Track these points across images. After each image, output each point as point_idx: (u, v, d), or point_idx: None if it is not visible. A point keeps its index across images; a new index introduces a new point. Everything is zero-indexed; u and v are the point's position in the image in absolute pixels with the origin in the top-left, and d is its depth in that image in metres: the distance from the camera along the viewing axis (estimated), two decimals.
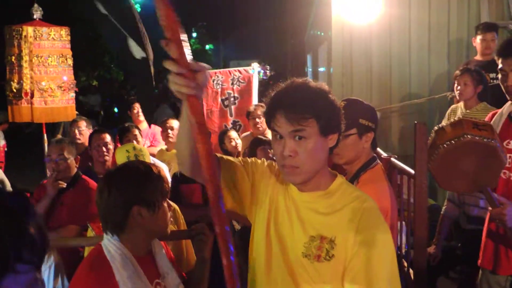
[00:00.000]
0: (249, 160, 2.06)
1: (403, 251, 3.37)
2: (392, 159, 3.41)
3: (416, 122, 2.92)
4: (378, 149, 3.89)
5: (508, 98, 2.91)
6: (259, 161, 2.06)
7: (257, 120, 5.93)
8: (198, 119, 1.55)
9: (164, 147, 5.97)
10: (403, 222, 3.48)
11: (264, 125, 5.91)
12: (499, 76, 2.89)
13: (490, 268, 2.97)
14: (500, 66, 2.85)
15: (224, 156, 2.05)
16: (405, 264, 3.11)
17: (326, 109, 1.82)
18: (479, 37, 5.76)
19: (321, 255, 1.80)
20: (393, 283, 1.74)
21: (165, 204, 2.21)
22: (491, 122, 2.96)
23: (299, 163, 1.82)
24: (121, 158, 3.48)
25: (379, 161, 2.74)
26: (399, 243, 3.35)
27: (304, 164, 1.82)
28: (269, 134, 5.77)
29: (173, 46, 1.49)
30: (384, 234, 1.78)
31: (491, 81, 5.40)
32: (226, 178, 1.98)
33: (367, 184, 2.61)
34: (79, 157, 4.30)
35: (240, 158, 2.07)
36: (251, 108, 6.22)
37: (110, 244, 2.12)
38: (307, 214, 1.88)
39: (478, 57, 5.82)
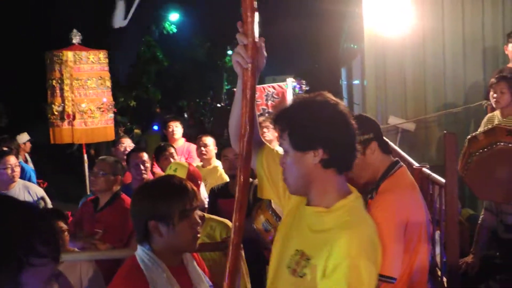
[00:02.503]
0: None
1: (438, 260, 3.33)
2: (424, 169, 3.40)
3: (445, 132, 2.92)
4: (411, 159, 3.88)
5: None
6: None
7: (264, 130, 5.79)
8: (247, 89, 1.87)
9: (199, 163, 6.06)
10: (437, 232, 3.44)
11: (269, 137, 5.78)
12: None
13: None
14: None
15: (269, 145, 2.17)
16: (439, 273, 3.09)
17: (299, 123, 1.80)
18: (511, 45, 5.70)
19: (297, 270, 1.78)
20: None
21: (192, 219, 2.19)
22: None
23: (285, 175, 1.89)
24: None
25: (402, 165, 2.67)
26: (432, 253, 3.32)
27: (287, 177, 1.88)
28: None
29: (245, 21, 1.81)
30: (349, 271, 1.68)
31: None
32: (263, 164, 2.08)
33: (384, 194, 2.54)
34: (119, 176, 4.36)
35: None
36: (261, 119, 6.11)
37: (143, 254, 2.17)
38: (302, 227, 1.87)
39: (511, 65, 5.76)
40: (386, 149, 2.67)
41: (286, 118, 1.85)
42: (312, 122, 1.79)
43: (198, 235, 2.24)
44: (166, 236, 2.14)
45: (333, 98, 1.88)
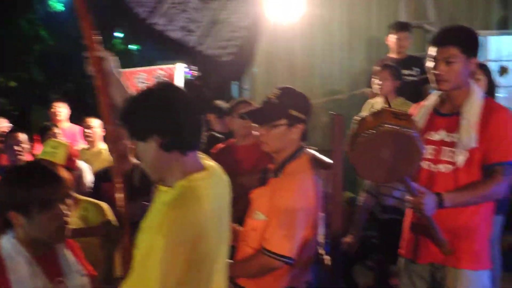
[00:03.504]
0: None
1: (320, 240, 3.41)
2: (310, 150, 3.44)
3: (332, 113, 2.97)
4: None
5: (435, 87, 2.89)
6: None
7: None
8: (100, 90, 2.37)
9: (85, 146, 5.83)
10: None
11: None
12: (429, 64, 2.85)
13: (409, 257, 3.00)
14: (432, 54, 2.83)
15: None
16: (322, 252, 3.15)
17: (130, 116, 1.88)
18: (393, 36, 5.96)
19: (136, 245, 1.82)
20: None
21: (55, 209, 2.07)
22: (417, 114, 3.01)
23: (143, 165, 1.96)
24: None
25: (306, 151, 2.74)
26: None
27: (144, 167, 1.94)
28: None
29: (87, 38, 2.33)
30: (163, 251, 1.68)
31: (405, 77, 5.60)
32: None
33: (290, 176, 2.61)
34: None
35: None
36: None
37: (6, 243, 2.07)
38: (153, 205, 1.92)
39: (392, 55, 6.03)
40: (305, 137, 2.74)
41: (120, 115, 1.92)
42: (140, 111, 1.85)
43: (66, 225, 2.12)
44: (26, 227, 2.04)
45: (172, 85, 1.99)
